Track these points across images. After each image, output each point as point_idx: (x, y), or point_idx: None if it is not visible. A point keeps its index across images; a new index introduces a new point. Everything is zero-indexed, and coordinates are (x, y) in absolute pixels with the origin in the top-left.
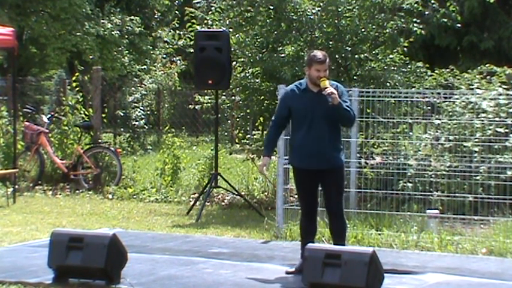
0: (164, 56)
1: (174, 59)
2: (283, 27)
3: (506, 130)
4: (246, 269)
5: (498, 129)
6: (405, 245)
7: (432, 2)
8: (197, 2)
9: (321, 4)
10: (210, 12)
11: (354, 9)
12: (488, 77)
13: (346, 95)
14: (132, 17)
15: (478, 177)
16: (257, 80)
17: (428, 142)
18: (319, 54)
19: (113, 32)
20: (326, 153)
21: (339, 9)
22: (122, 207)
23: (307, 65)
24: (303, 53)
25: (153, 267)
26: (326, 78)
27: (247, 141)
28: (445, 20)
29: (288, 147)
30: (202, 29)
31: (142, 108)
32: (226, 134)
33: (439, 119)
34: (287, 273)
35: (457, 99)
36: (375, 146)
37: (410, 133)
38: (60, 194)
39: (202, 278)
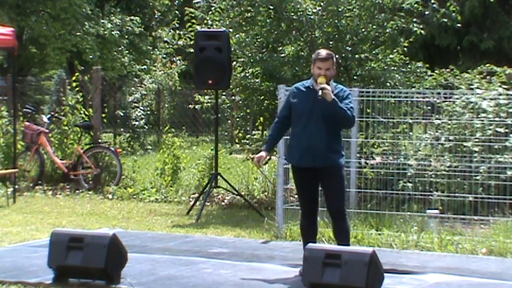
0: (164, 56)
1: (174, 59)
2: (283, 27)
3: (506, 130)
4: (246, 269)
5: (498, 129)
6: (405, 245)
7: (432, 2)
8: (197, 2)
9: (321, 4)
10: (210, 12)
11: (354, 9)
12: (488, 77)
13: (350, 99)
14: (132, 17)
15: (478, 177)
16: (257, 80)
17: (428, 142)
18: (322, 52)
19: (113, 32)
20: (320, 151)
21: (339, 9)
22: (122, 207)
23: (312, 62)
24: (303, 53)
25: (153, 267)
26: (326, 77)
27: (247, 141)
28: (445, 20)
29: (288, 145)
30: (202, 29)
31: (142, 108)
32: (226, 134)
33: (439, 119)
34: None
35: (457, 99)
36: (375, 146)
37: (410, 133)
38: (60, 194)
39: (202, 278)
